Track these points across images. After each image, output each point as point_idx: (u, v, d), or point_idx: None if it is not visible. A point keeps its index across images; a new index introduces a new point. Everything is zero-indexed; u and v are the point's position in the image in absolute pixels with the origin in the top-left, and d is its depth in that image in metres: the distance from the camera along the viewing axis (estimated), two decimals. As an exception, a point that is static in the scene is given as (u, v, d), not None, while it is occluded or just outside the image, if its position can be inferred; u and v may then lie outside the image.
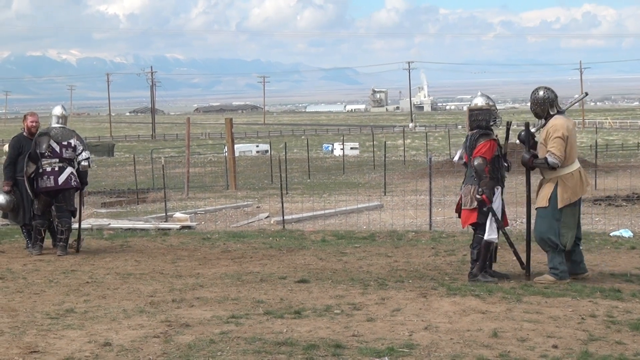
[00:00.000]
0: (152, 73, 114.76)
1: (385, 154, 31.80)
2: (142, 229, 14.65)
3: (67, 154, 11.90)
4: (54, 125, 12.05)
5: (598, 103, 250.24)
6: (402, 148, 54.77)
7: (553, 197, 9.02)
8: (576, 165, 9.14)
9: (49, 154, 11.81)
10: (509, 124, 9.65)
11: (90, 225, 14.94)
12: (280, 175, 18.81)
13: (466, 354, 6.23)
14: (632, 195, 21.85)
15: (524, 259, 9.34)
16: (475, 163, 9.17)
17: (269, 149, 55.13)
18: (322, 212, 18.29)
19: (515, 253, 9.37)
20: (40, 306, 8.14)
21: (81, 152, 12.00)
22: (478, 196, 9.15)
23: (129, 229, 14.74)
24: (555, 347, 6.44)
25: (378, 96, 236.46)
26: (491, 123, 9.33)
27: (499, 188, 9.30)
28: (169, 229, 14.70)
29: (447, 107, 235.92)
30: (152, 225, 15.05)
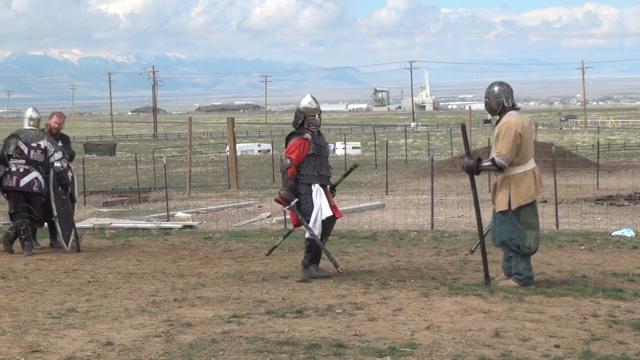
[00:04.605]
0: (153, 72, 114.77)
1: (387, 154, 31.79)
2: (143, 229, 14.66)
3: (35, 156, 11.90)
4: (25, 127, 12.11)
5: (600, 102, 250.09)
6: (404, 147, 54.77)
7: (510, 200, 8.68)
8: (531, 165, 8.78)
9: (17, 155, 11.89)
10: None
11: (92, 225, 14.95)
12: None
13: (468, 354, 6.23)
14: (634, 194, 21.85)
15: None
16: (282, 164, 9.53)
17: (270, 148, 55.19)
18: (324, 211, 18.25)
19: (326, 254, 9.47)
20: (41, 305, 8.14)
21: (53, 154, 11.99)
22: (276, 198, 9.55)
23: (131, 228, 14.75)
24: (557, 346, 6.43)
25: (380, 95, 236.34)
26: (305, 126, 9.51)
27: (316, 185, 9.43)
28: (171, 229, 14.70)
29: (449, 107, 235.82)
30: (153, 225, 15.05)
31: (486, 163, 8.81)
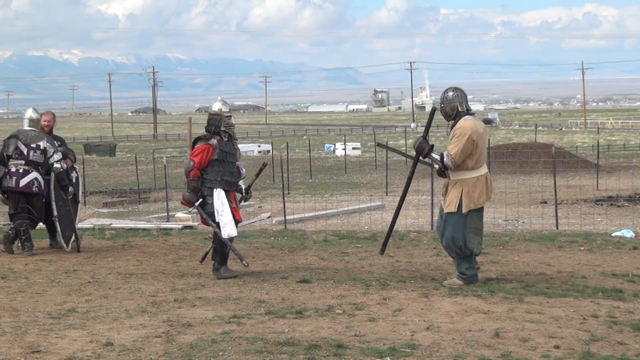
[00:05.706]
0: (153, 73, 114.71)
1: (387, 154, 31.79)
2: (143, 229, 14.66)
3: (34, 156, 11.90)
4: (25, 127, 12.12)
5: (600, 103, 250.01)
6: (404, 148, 54.74)
7: (460, 202, 8.83)
8: (483, 170, 8.92)
9: (16, 155, 11.90)
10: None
11: (92, 225, 14.96)
12: (282, 175, 18.83)
13: (468, 354, 6.23)
14: (634, 195, 21.87)
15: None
16: (186, 166, 9.81)
17: (270, 149, 55.18)
18: (324, 212, 18.30)
19: (233, 250, 9.72)
20: (42, 306, 8.14)
21: (52, 155, 11.98)
22: (180, 200, 9.80)
23: (131, 228, 14.75)
24: (557, 347, 6.43)
25: (380, 96, 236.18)
26: (222, 128, 9.74)
27: (217, 189, 9.67)
28: (171, 229, 14.71)
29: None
30: (153, 225, 15.06)
31: (435, 155, 8.96)
